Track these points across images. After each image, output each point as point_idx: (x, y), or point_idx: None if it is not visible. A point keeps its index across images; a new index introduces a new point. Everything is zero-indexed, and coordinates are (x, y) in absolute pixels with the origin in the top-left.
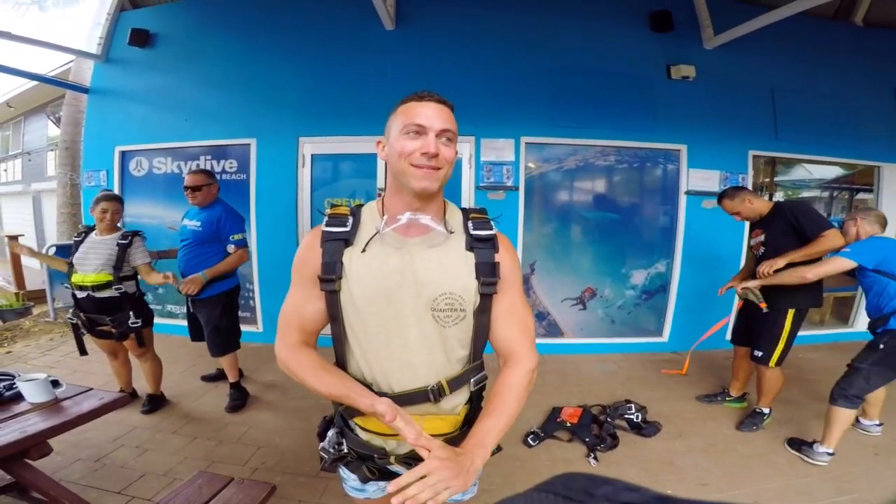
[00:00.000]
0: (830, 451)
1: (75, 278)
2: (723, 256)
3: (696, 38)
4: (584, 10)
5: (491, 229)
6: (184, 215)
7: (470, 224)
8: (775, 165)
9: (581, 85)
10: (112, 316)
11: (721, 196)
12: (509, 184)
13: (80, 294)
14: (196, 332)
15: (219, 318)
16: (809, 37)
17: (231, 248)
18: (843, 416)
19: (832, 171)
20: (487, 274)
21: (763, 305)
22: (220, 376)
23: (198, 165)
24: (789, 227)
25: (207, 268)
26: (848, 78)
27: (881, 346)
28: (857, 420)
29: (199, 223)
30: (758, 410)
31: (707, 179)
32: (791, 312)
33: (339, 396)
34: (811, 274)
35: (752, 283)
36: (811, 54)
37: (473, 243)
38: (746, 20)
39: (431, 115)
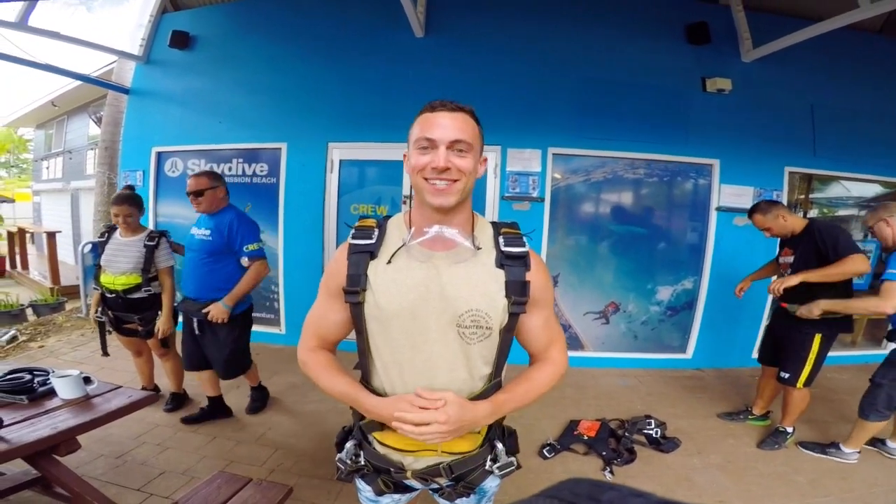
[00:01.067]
0: (857, 451)
1: (105, 280)
2: None
3: (734, 50)
4: (619, 21)
5: (523, 246)
6: (193, 224)
7: (501, 240)
8: (811, 182)
9: (612, 96)
10: (140, 314)
11: (753, 209)
12: (535, 195)
13: (110, 295)
14: (197, 361)
15: (237, 339)
16: (852, 51)
17: (245, 260)
18: (874, 427)
19: (871, 189)
20: (518, 293)
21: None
22: (205, 416)
23: (230, 168)
24: (819, 248)
25: (219, 282)
26: (892, 93)
27: None
28: (883, 442)
29: (208, 232)
30: (781, 429)
31: (740, 196)
32: (818, 337)
33: (347, 397)
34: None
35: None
36: (854, 69)
37: (504, 260)
38: (787, 33)
39: (443, 125)
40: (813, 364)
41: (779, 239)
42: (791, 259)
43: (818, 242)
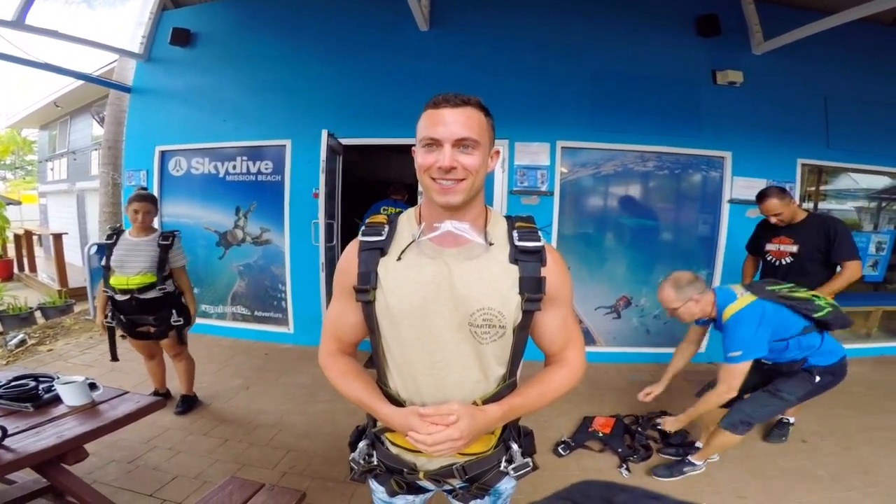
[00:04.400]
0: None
1: (117, 281)
2: None
3: (745, 43)
4: (628, 13)
5: (538, 240)
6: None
7: (515, 234)
8: (821, 174)
9: (621, 89)
10: (155, 315)
11: (767, 194)
12: (543, 189)
13: (122, 297)
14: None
15: None
16: (864, 43)
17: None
18: (736, 440)
19: (881, 181)
20: (532, 289)
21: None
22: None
23: (234, 167)
24: (826, 242)
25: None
26: None
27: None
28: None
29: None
30: (785, 421)
31: (752, 188)
32: None
33: (363, 404)
34: None
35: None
36: (867, 61)
37: (518, 255)
38: (797, 26)
39: (448, 122)
40: None
41: (764, 226)
42: (794, 248)
43: (828, 236)
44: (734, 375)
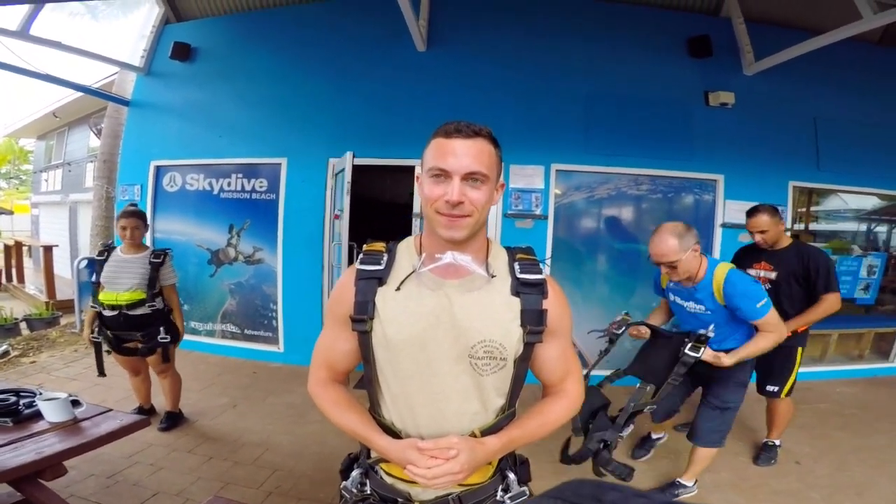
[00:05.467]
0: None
1: (106, 297)
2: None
3: (736, 63)
4: (620, 35)
5: (539, 273)
6: None
7: (517, 266)
8: (811, 195)
9: (615, 111)
10: (143, 331)
11: (759, 209)
12: (538, 212)
13: (111, 313)
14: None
15: None
16: (854, 62)
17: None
18: (712, 453)
19: (869, 202)
20: (534, 322)
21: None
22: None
23: (229, 184)
24: (806, 274)
25: None
26: (893, 104)
27: None
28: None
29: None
30: (770, 443)
31: (744, 211)
32: (800, 350)
33: (358, 436)
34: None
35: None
36: (856, 81)
37: (520, 288)
38: (788, 46)
39: (458, 153)
40: (795, 375)
41: (747, 251)
42: (773, 275)
43: (808, 267)
44: (775, 320)
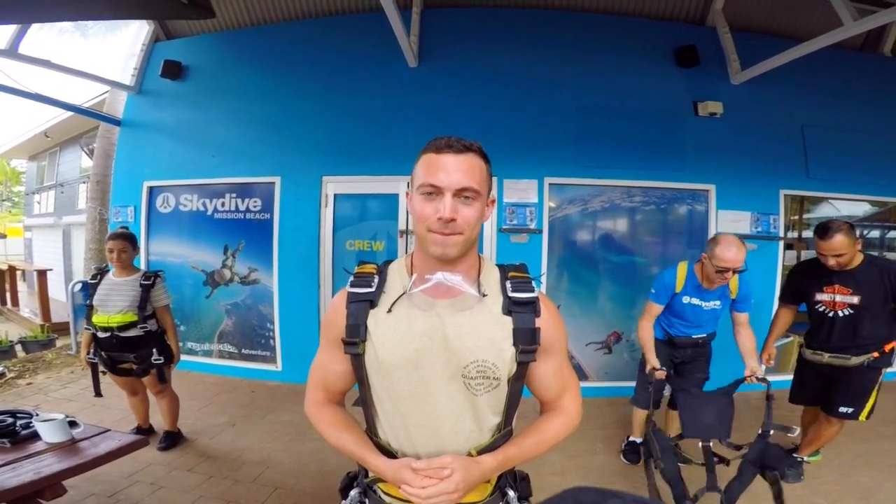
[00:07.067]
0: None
1: (99, 319)
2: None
3: (723, 73)
4: (608, 47)
5: (532, 291)
6: None
7: (508, 285)
8: (803, 203)
9: (606, 124)
10: (136, 353)
11: (832, 228)
12: (532, 226)
13: (104, 334)
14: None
15: None
16: (838, 69)
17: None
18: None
19: (860, 208)
20: (526, 341)
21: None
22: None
23: (223, 204)
24: (889, 291)
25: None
26: (878, 110)
27: None
28: None
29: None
30: (799, 460)
31: (737, 221)
32: (883, 371)
33: (354, 456)
34: None
35: None
36: (840, 87)
37: (511, 307)
38: (773, 54)
39: (449, 169)
40: (876, 396)
41: (812, 271)
42: (855, 299)
43: (891, 285)
44: None
